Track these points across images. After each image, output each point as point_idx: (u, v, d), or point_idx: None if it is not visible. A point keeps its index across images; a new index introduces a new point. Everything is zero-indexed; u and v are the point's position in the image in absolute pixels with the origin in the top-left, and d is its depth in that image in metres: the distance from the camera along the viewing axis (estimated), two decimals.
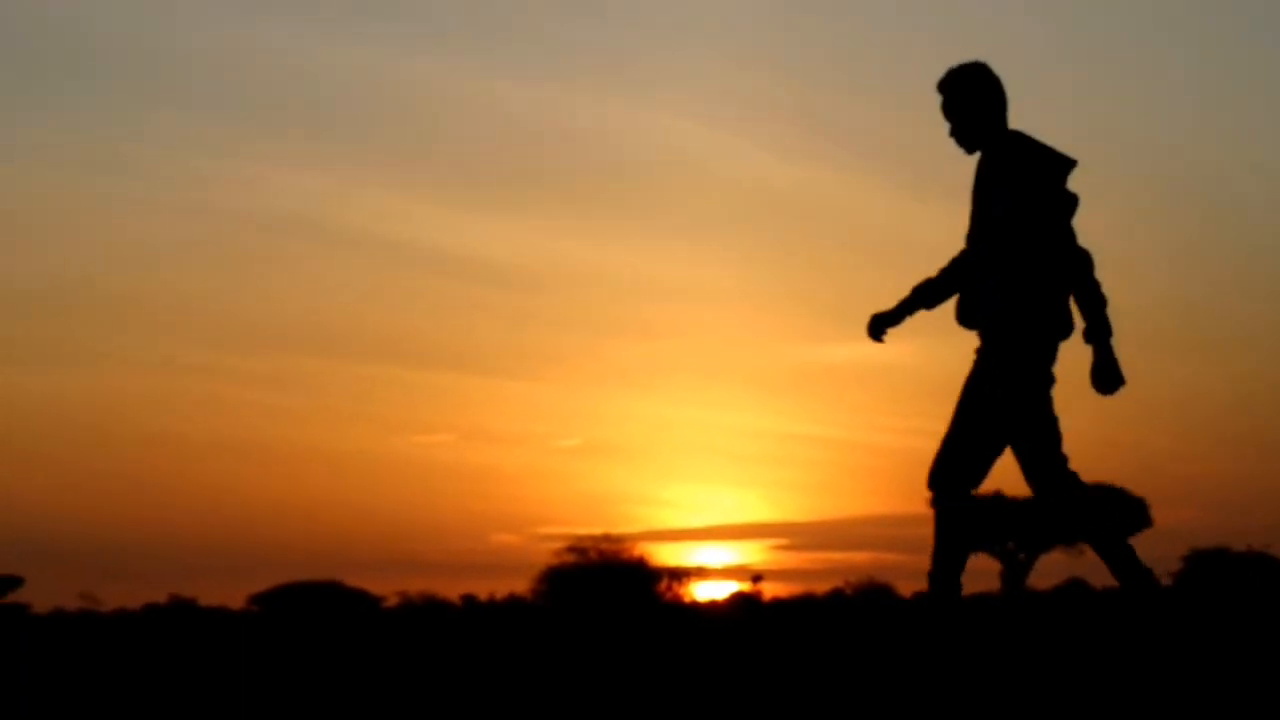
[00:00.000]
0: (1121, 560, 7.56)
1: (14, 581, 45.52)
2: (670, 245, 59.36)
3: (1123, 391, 7.52)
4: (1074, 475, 7.40)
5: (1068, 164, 7.54)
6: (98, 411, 59.48)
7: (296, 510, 57.01)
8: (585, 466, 57.57)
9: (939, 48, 59.08)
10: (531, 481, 60.08)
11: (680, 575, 35.57)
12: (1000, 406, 7.39)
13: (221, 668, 9.29)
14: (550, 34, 57.86)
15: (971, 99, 7.56)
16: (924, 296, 7.72)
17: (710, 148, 58.17)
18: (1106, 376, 7.47)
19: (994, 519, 45.94)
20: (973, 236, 7.55)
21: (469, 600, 39.98)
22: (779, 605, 32.50)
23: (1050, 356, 7.50)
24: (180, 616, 34.00)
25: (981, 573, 46.85)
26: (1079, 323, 7.48)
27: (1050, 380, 7.50)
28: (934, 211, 62.50)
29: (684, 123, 58.48)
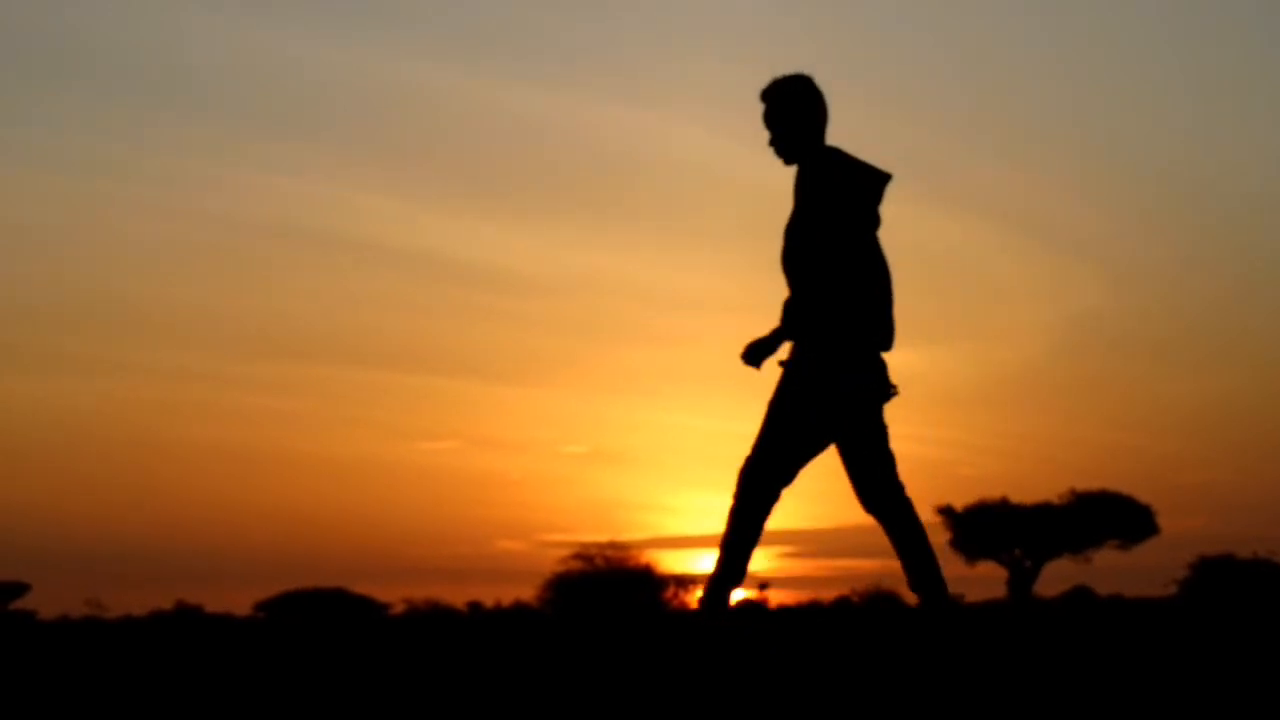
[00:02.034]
0: (924, 581, 7.74)
1: (20, 588, 45.53)
2: (679, 253, 59.39)
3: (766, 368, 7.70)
4: (901, 489, 7.59)
5: (883, 179, 7.66)
6: (102, 418, 59.57)
7: (302, 517, 57.07)
8: (592, 473, 57.61)
9: (949, 58, 59.13)
10: (538, 488, 60.09)
11: (686, 583, 35.56)
12: (811, 414, 7.54)
13: (227, 675, 9.28)
14: (561, 40, 57.94)
15: (793, 111, 7.70)
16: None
17: (720, 156, 58.20)
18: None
19: (1001, 526, 45.92)
20: (789, 250, 7.68)
21: (475, 607, 39.99)
22: (785, 612, 32.48)
23: (870, 367, 7.61)
24: (186, 623, 33.99)
25: (988, 580, 46.86)
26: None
27: (883, 393, 7.61)
28: (941, 219, 62.50)
29: (695, 130, 58.53)
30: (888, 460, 7.60)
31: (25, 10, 57.45)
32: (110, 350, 61.56)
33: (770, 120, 7.70)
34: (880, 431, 7.58)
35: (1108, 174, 62.61)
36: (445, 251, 61.36)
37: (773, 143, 7.70)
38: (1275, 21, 58.36)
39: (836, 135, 7.73)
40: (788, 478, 7.69)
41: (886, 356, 7.57)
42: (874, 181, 7.57)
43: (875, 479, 7.58)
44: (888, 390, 7.57)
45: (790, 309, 7.59)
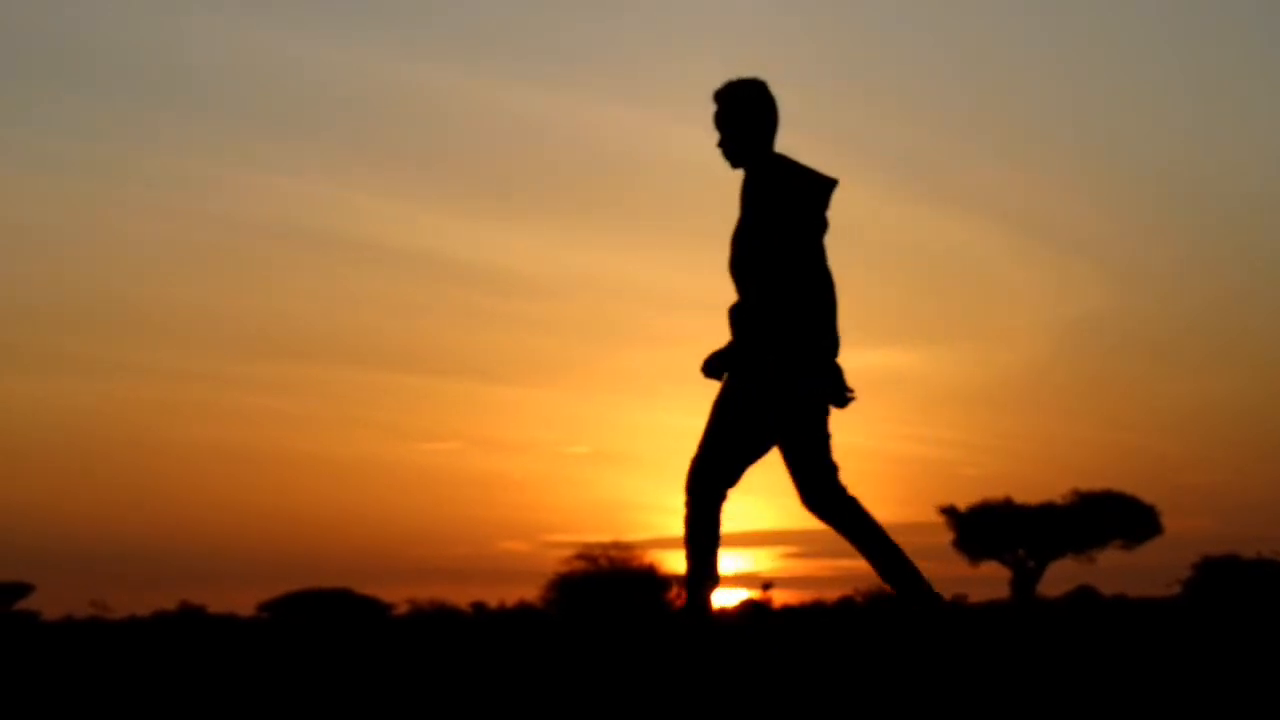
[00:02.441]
0: (895, 574, 7.76)
1: (23, 589, 45.56)
2: (682, 253, 59.37)
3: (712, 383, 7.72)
4: (844, 489, 7.63)
5: (829, 185, 7.68)
6: (104, 418, 59.59)
7: (306, 517, 57.10)
8: (595, 474, 57.62)
9: (951, 58, 59.12)
10: (541, 489, 60.08)
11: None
12: (767, 418, 7.57)
13: (231, 676, 9.29)
14: (561, 40, 57.95)
15: (744, 114, 7.72)
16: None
17: (717, 155, 58.11)
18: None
19: (1005, 526, 45.93)
20: (734, 256, 7.71)
21: (478, 608, 39.99)
22: (789, 613, 32.47)
23: (824, 372, 7.64)
24: (190, 624, 34.01)
25: (991, 580, 46.87)
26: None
27: (840, 398, 7.64)
28: (943, 220, 62.50)
29: (696, 131, 58.38)
30: (831, 465, 7.64)
31: (25, 11, 57.49)
32: (112, 351, 61.61)
33: (720, 122, 7.72)
34: (826, 437, 7.62)
35: (1109, 174, 62.62)
36: (447, 252, 61.39)
37: (721, 144, 7.72)
38: (1276, 22, 58.36)
39: (841, 136, 7.79)
40: (734, 479, 7.73)
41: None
42: (821, 188, 7.59)
43: (819, 482, 7.61)
44: (844, 395, 7.60)
45: (738, 315, 7.60)
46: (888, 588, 7.77)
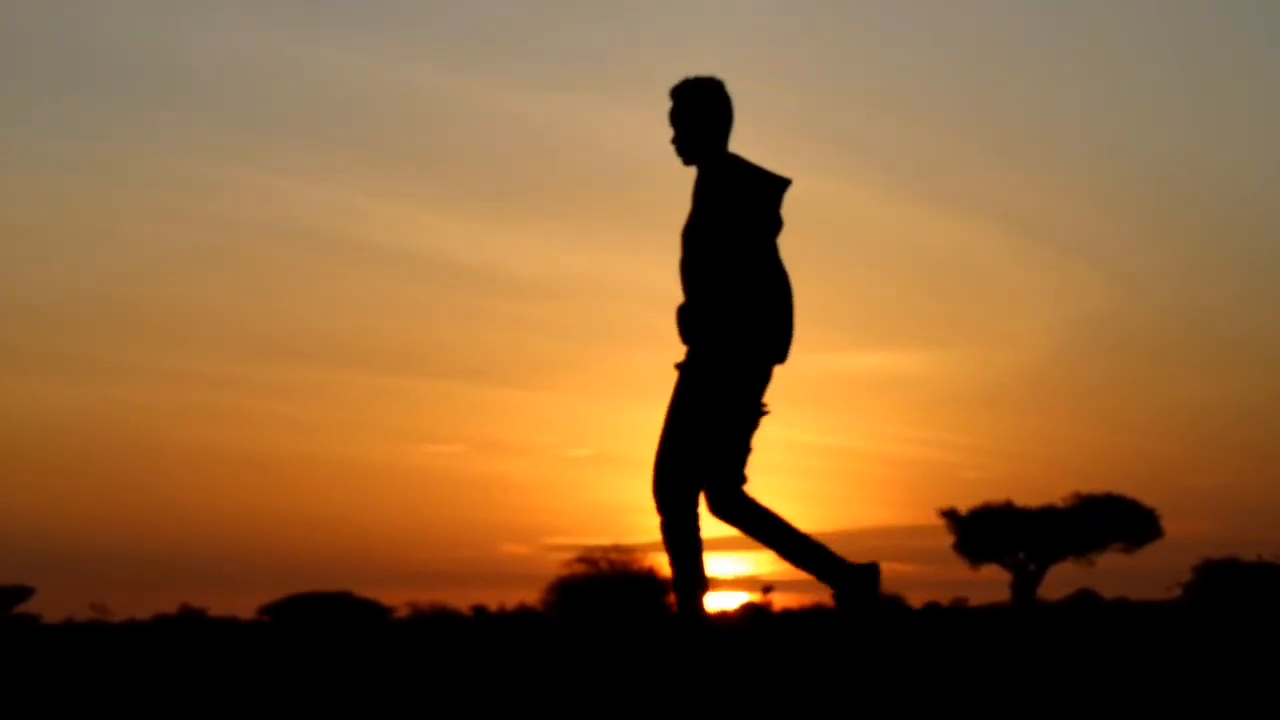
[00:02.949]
0: (819, 561, 7.73)
1: (24, 592, 45.57)
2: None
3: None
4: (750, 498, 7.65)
5: (782, 184, 7.68)
6: (106, 421, 59.63)
7: (307, 520, 57.12)
8: (596, 477, 57.63)
9: (953, 60, 59.13)
10: (542, 492, 60.08)
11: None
12: (719, 424, 7.57)
13: (232, 679, 9.29)
14: (564, 43, 57.99)
15: (698, 113, 7.72)
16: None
17: None
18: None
19: (1006, 529, 45.93)
20: (685, 255, 7.72)
21: (479, 610, 39.99)
22: (789, 616, 32.48)
23: (762, 376, 7.66)
24: (190, 627, 34.00)
25: (992, 583, 46.89)
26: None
27: (758, 407, 7.67)
28: (946, 222, 62.51)
29: None
30: (743, 476, 7.68)
31: (27, 13, 57.52)
32: (113, 353, 61.65)
33: (675, 119, 7.73)
34: (748, 447, 7.67)
35: (1111, 177, 62.64)
36: (450, 255, 61.44)
37: (674, 141, 7.73)
38: (1278, 24, 58.37)
39: (842, 137, 7.78)
40: (700, 483, 7.71)
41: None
42: (772, 187, 7.59)
43: (731, 488, 7.63)
44: (760, 408, 7.64)
45: (686, 315, 7.61)
46: (825, 584, 7.78)
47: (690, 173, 7.69)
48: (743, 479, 7.62)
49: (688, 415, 7.57)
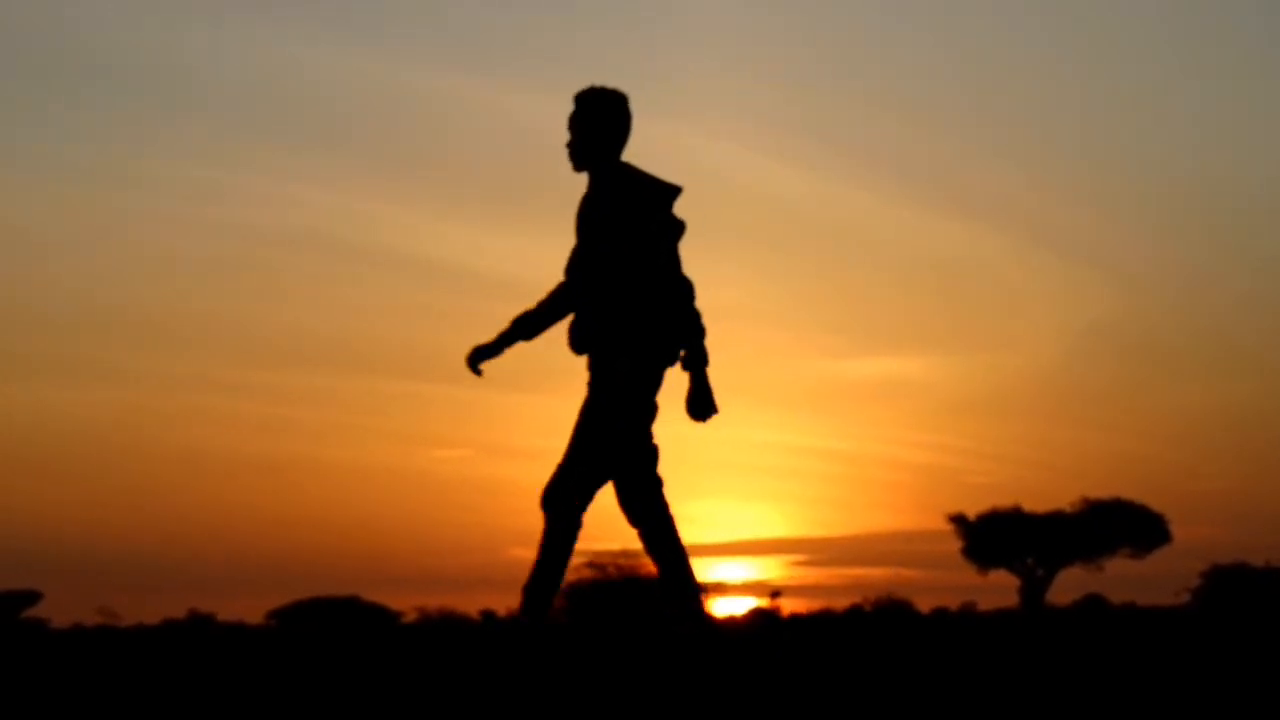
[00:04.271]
0: (679, 590, 7.79)
1: (32, 596, 45.57)
2: (688, 260, 59.34)
3: (715, 419, 7.77)
4: (665, 504, 7.68)
5: (672, 192, 7.74)
6: (115, 426, 59.66)
7: (315, 525, 57.13)
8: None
9: (960, 67, 59.11)
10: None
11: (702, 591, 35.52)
12: (617, 433, 7.62)
13: (240, 683, 9.29)
14: (571, 49, 57.99)
15: (595, 121, 7.80)
16: (524, 328, 7.96)
17: (730, 164, 58.22)
18: (700, 404, 7.66)
19: (1014, 534, 45.91)
20: (576, 263, 7.76)
21: (487, 615, 39.96)
22: (797, 621, 32.46)
23: (656, 382, 7.72)
24: (198, 632, 34.00)
25: (1001, 588, 46.86)
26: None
27: (653, 409, 7.73)
28: (953, 228, 62.46)
29: (707, 141, 58.53)
30: (657, 477, 7.70)
31: (33, 18, 57.56)
32: (123, 358, 61.68)
33: (572, 124, 7.81)
34: (655, 447, 7.71)
35: (1119, 183, 62.59)
36: (457, 260, 61.45)
37: (569, 145, 7.80)
38: None
39: (850, 143, 7.78)
40: (590, 498, 7.75)
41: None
42: (662, 195, 7.66)
43: (643, 490, 7.66)
44: (710, 407, 7.69)
45: (579, 326, 7.66)
46: (668, 603, 7.86)
47: (747, 182, 7.78)
48: (657, 482, 7.69)
49: (588, 424, 7.62)
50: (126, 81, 59.84)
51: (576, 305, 7.68)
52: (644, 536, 7.77)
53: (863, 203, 61.59)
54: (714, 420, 7.71)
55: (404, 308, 61.74)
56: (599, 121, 7.71)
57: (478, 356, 7.84)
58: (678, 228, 7.65)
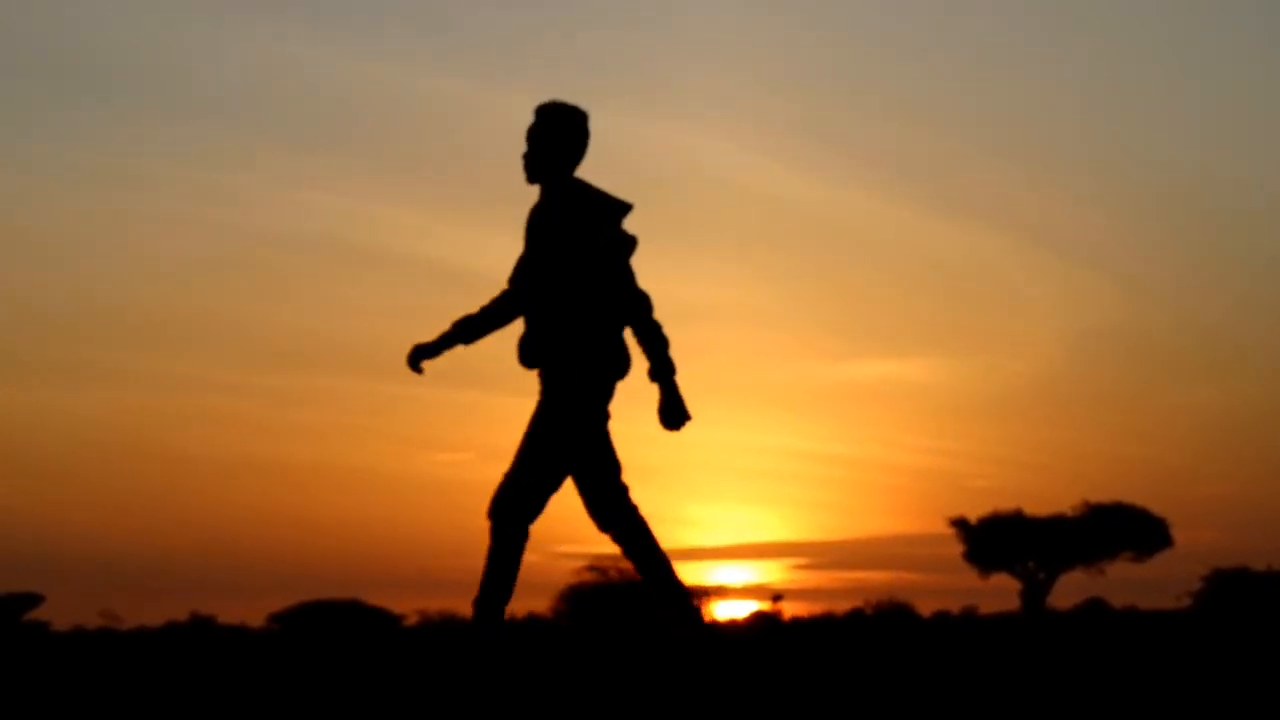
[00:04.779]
0: (665, 592, 7.84)
1: (34, 599, 45.57)
2: (692, 264, 59.35)
3: (688, 427, 7.82)
4: (634, 508, 7.73)
5: (622, 208, 7.80)
6: (116, 428, 59.67)
7: (317, 528, 57.13)
8: None
9: (965, 69, 59.13)
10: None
11: (700, 594, 35.50)
12: (569, 445, 7.66)
13: (241, 686, 9.30)
14: (576, 52, 58.01)
15: (551, 135, 7.86)
16: (465, 331, 8.02)
17: (733, 166, 58.25)
18: (672, 414, 7.73)
19: (1015, 538, 45.91)
20: (524, 275, 7.80)
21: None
22: (799, 624, 32.45)
23: (607, 394, 7.79)
24: (200, 635, 34.01)
25: (1002, 592, 46.83)
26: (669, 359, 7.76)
27: (605, 416, 7.78)
28: (955, 230, 62.49)
29: (707, 141, 58.57)
30: (621, 483, 7.74)
31: (37, 22, 57.60)
32: (125, 360, 61.69)
33: (531, 136, 7.86)
34: (614, 452, 7.74)
35: (1122, 186, 62.59)
36: (460, 262, 61.41)
37: (524, 157, 7.85)
38: None
39: (853, 146, 7.79)
40: (539, 510, 7.77)
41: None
42: (612, 212, 7.70)
43: (611, 499, 7.69)
44: (683, 415, 7.75)
45: (529, 341, 7.70)
46: (661, 608, 7.88)
47: (751, 188, 7.82)
48: (623, 488, 7.72)
49: (538, 436, 7.65)
50: (128, 83, 59.88)
51: (526, 318, 7.73)
52: (617, 540, 7.80)
53: (863, 204, 61.60)
54: (716, 423, 7.74)
55: (406, 310, 61.72)
56: (557, 136, 7.78)
57: (418, 355, 7.92)
58: (629, 243, 7.72)
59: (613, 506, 7.75)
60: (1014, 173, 62.64)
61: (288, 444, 61.55)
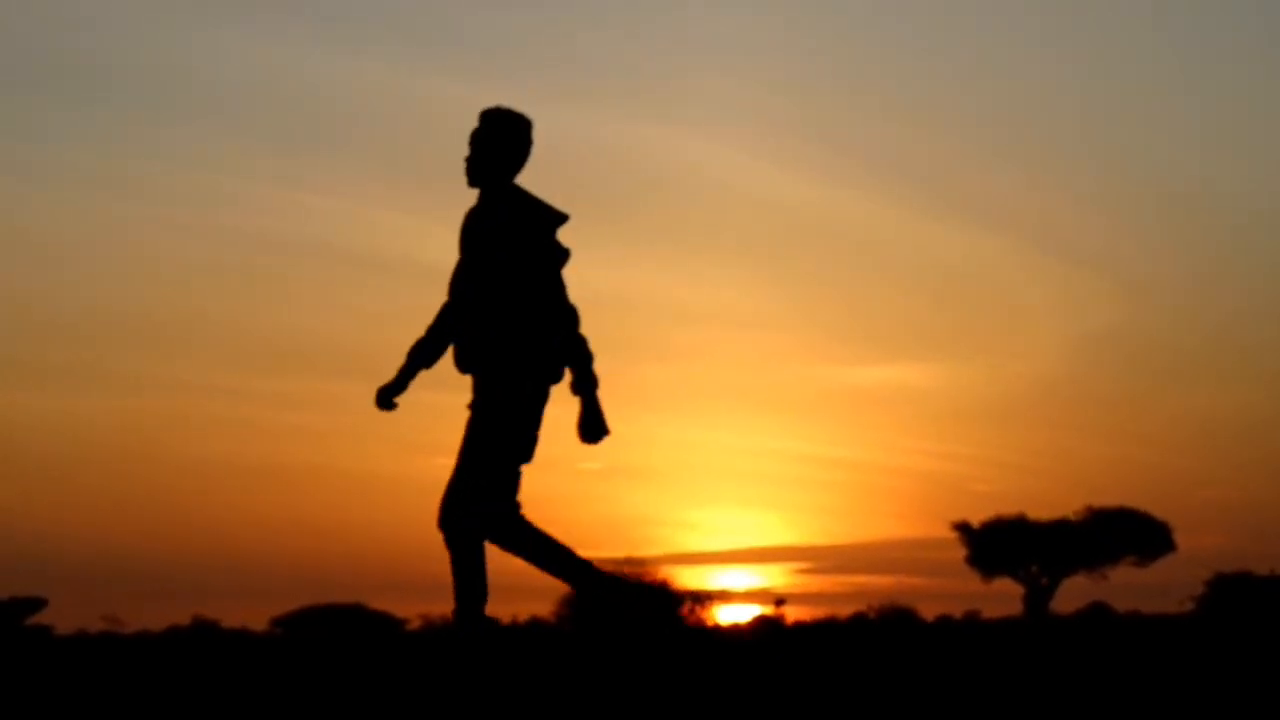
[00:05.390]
0: (561, 573, 7.70)
1: (37, 603, 45.58)
2: (694, 267, 59.42)
3: (606, 441, 7.83)
4: (525, 520, 7.69)
5: (558, 219, 7.82)
6: (119, 432, 59.69)
7: (319, 532, 57.15)
8: (608, 489, 57.56)
9: (966, 73, 59.16)
10: (554, 504, 59.89)
11: (703, 598, 35.50)
12: (506, 448, 7.66)
13: (244, 691, 9.30)
14: (576, 56, 58.08)
15: (493, 140, 7.87)
16: (420, 357, 8.04)
17: (734, 170, 58.28)
18: (592, 427, 7.72)
19: (1018, 542, 45.90)
20: (461, 281, 7.80)
21: (491, 623, 39.90)
22: (802, 629, 32.46)
23: (542, 398, 7.80)
24: (202, 638, 34.02)
25: (1005, 596, 46.83)
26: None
27: (536, 422, 7.79)
28: (958, 235, 62.49)
29: (708, 145, 58.59)
30: (498, 495, 7.73)
31: (44, 28, 57.65)
32: (128, 365, 61.72)
33: (474, 140, 7.88)
34: (517, 474, 7.75)
35: (1124, 190, 62.61)
36: None
37: (466, 160, 7.88)
38: None
39: (856, 151, 7.78)
40: (514, 506, 7.76)
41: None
42: (548, 221, 7.72)
43: (472, 504, 7.68)
44: (602, 428, 7.76)
45: (464, 346, 7.72)
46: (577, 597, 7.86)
47: (754, 191, 7.81)
48: (516, 504, 7.73)
49: (477, 441, 7.65)
50: (128, 87, 59.92)
51: (464, 323, 7.73)
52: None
53: (866, 208, 61.62)
54: (718, 427, 7.76)
55: (406, 313, 61.75)
56: (500, 142, 7.80)
57: (384, 395, 7.98)
58: (563, 254, 7.74)
59: (511, 518, 7.72)
60: (1016, 177, 62.69)
61: (290, 448, 61.61)
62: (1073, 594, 46.26)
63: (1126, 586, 46.17)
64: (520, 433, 7.65)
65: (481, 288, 7.66)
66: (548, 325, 7.66)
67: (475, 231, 7.75)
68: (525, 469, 7.76)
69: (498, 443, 7.64)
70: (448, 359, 7.87)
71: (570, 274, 7.72)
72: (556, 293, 7.72)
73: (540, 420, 7.73)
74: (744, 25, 58.01)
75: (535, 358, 7.64)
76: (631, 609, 7.80)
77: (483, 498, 7.65)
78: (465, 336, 7.73)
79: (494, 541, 7.70)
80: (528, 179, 7.79)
